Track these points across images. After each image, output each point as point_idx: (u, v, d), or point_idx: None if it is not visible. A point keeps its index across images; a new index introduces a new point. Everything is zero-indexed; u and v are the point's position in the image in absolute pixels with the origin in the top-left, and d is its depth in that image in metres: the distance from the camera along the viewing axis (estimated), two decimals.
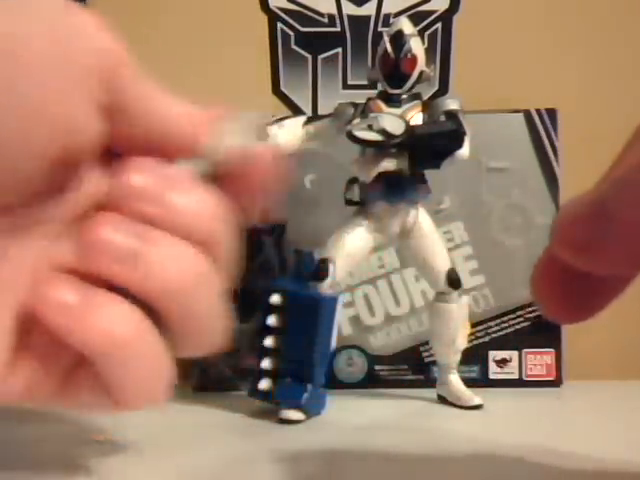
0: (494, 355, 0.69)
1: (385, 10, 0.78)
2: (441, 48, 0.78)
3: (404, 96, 0.59)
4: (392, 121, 0.57)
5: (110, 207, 0.20)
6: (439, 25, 0.78)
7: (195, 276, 0.21)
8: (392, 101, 0.59)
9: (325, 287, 0.58)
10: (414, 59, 0.59)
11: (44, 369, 0.21)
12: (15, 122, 0.18)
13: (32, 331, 0.21)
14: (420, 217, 0.60)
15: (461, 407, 0.60)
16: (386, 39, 0.59)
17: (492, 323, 0.69)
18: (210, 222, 0.22)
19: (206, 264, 0.22)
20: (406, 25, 0.59)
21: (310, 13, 0.79)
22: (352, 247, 0.59)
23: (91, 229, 0.20)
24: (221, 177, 0.22)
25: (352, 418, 0.58)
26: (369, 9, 0.78)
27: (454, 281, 0.60)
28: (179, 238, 0.21)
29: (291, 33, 0.78)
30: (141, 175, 0.20)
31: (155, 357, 0.21)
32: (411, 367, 0.69)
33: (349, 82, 0.79)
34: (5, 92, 0.18)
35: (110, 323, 0.20)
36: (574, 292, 0.25)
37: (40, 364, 0.21)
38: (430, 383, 0.65)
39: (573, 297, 0.26)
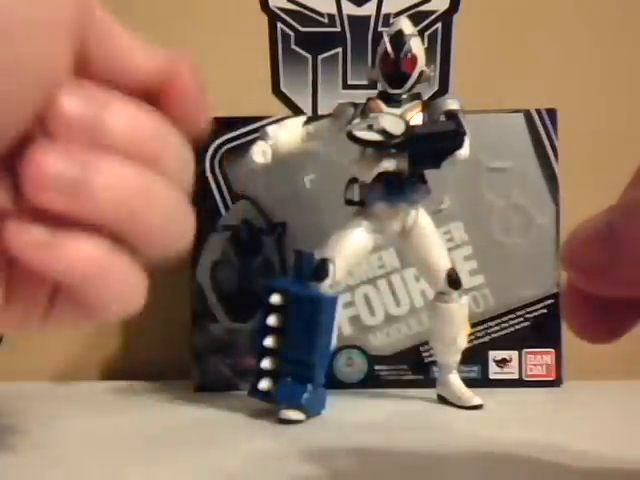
0: (494, 355, 0.69)
1: (385, 10, 0.78)
2: (441, 48, 0.78)
3: (404, 96, 0.59)
4: (392, 121, 0.57)
5: (47, 135, 0.20)
6: (439, 25, 0.78)
7: (142, 194, 0.21)
8: (392, 101, 0.59)
9: (325, 287, 0.58)
10: (414, 59, 0.59)
11: (31, 302, 0.22)
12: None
13: (12, 269, 0.22)
14: (420, 217, 0.60)
15: (461, 407, 0.60)
16: (386, 39, 0.59)
17: (492, 323, 0.69)
18: (151, 137, 0.22)
19: (153, 179, 0.22)
20: (406, 25, 0.59)
21: (310, 13, 0.79)
22: (352, 247, 0.59)
23: (28, 162, 0.20)
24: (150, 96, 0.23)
25: (352, 418, 0.58)
26: (369, 9, 0.78)
27: (454, 281, 0.60)
28: (121, 158, 0.21)
29: (291, 33, 0.78)
30: (73, 99, 0.20)
31: (126, 273, 0.22)
32: (411, 367, 0.69)
33: (349, 82, 0.79)
34: None
35: (80, 252, 0.21)
36: (599, 316, 0.26)
37: (27, 299, 0.22)
38: (430, 383, 0.65)
39: (599, 321, 0.26)
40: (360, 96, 0.62)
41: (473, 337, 0.67)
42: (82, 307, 0.23)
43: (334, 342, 0.58)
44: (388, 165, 0.57)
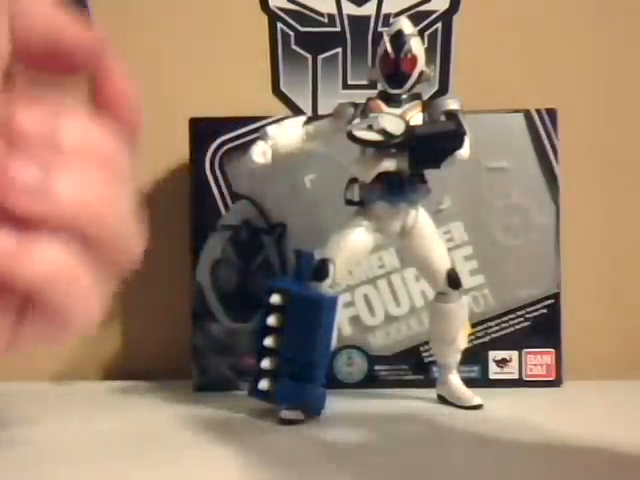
0: (494, 355, 0.69)
1: (385, 10, 0.78)
2: (441, 48, 0.78)
3: (404, 96, 0.59)
4: (392, 121, 0.57)
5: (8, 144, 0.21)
6: (439, 25, 0.78)
7: (104, 195, 0.22)
8: (392, 101, 0.59)
9: (325, 287, 0.58)
10: (414, 59, 0.59)
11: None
12: None
13: None
14: (420, 217, 0.60)
15: (461, 407, 0.60)
16: (386, 39, 0.59)
17: (492, 323, 0.69)
18: (104, 144, 0.22)
19: (113, 184, 0.22)
20: (406, 25, 0.59)
21: (310, 13, 0.79)
22: (352, 247, 0.59)
23: None
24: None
25: (352, 418, 0.58)
26: (369, 9, 0.78)
27: (454, 281, 0.60)
28: (79, 163, 0.21)
29: (291, 33, 0.78)
30: (27, 116, 0.21)
31: (93, 284, 0.22)
32: (411, 367, 0.69)
33: (349, 82, 0.79)
34: None
35: (48, 262, 0.21)
36: None
37: None
38: (430, 383, 0.65)
39: None
40: (360, 96, 0.62)
41: (473, 337, 0.67)
42: (48, 321, 0.22)
43: (334, 342, 0.58)
44: (388, 165, 0.57)
